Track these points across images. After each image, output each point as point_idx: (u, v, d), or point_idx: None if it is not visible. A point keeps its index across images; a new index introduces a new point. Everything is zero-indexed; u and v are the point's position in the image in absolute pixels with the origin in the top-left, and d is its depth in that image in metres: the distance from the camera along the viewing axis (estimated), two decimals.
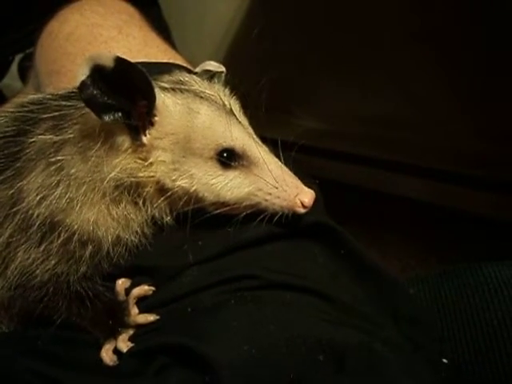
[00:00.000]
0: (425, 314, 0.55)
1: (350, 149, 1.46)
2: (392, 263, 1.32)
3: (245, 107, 0.46)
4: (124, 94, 0.36)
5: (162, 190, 0.40)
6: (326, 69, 1.38)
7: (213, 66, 0.47)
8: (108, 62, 0.33)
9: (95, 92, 0.34)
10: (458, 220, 1.30)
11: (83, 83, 0.34)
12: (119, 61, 0.34)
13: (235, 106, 0.42)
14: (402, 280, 0.73)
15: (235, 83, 0.48)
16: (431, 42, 1.17)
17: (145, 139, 0.38)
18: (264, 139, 0.46)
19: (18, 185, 0.39)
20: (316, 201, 0.42)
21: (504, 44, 1.08)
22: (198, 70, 0.47)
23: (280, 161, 0.43)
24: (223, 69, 0.47)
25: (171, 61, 0.58)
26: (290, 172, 0.42)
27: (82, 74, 0.34)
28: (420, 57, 1.21)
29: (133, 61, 0.54)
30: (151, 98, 0.37)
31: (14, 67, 1.05)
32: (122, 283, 0.42)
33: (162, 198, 0.40)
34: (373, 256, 0.54)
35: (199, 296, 0.39)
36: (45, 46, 0.62)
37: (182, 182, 0.39)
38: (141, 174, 0.39)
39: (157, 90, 0.38)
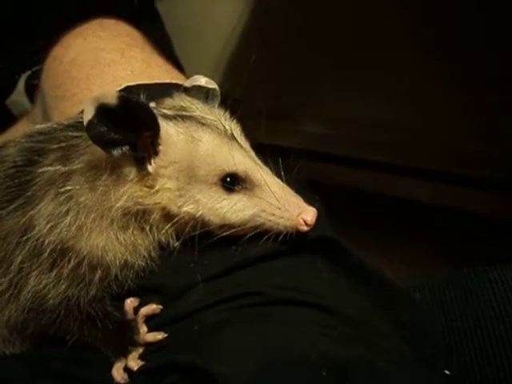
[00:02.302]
0: (430, 322, 0.56)
1: (353, 153, 1.47)
2: (400, 268, 1.33)
3: (247, 116, 0.47)
4: (129, 128, 0.38)
5: (168, 216, 0.41)
6: (327, 74, 1.39)
7: (203, 81, 0.48)
8: (112, 100, 0.35)
9: (102, 130, 0.36)
10: (464, 221, 1.30)
11: (90, 123, 0.36)
12: (123, 98, 0.35)
13: (236, 130, 0.44)
14: (410, 285, 0.74)
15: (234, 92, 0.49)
16: (432, 44, 1.18)
17: (150, 168, 0.40)
18: (267, 147, 0.48)
19: (29, 213, 0.41)
20: (318, 217, 0.43)
21: (505, 44, 1.08)
22: (187, 84, 0.48)
23: (282, 180, 0.45)
24: (215, 85, 0.48)
25: (173, 80, 0.59)
26: (292, 191, 0.44)
27: (88, 113, 0.35)
28: (421, 60, 1.22)
29: (136, 83, 0.57)
30: (155, 129, 0.39)
31: (21, 84, 1.07)
32: (130, 303, 0.43)
33: (169, 224, 0.41)
34: (376, 266, 0.55)
35: (205, 314, 0.40)
36: (50, 71, 0.64)
37: (188, 208, 0.41)
38: (147, 202, 0.40)
39: (160, 120, 0.39)
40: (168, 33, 1.39)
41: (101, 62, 0.60)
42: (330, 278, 0.47)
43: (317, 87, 1.41)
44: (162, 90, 0.56)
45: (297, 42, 1.37)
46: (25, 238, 0.41)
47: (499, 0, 1.05)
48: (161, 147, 0.40)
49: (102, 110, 0.35)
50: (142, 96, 0.49)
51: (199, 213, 0.41)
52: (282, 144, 1.56)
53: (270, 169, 0.45)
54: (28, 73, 1.02)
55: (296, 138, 1.52)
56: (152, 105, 0.44)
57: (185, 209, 0.41)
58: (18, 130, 0.85)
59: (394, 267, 1.33)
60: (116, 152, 0.38)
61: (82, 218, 0.40)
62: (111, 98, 0.35)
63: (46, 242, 0.40)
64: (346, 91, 1.36)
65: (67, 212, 0.40)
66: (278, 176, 0.45)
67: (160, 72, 0.61)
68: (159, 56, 0.65)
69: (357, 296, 0.48)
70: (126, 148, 0.38)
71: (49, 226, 0.40)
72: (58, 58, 0.63)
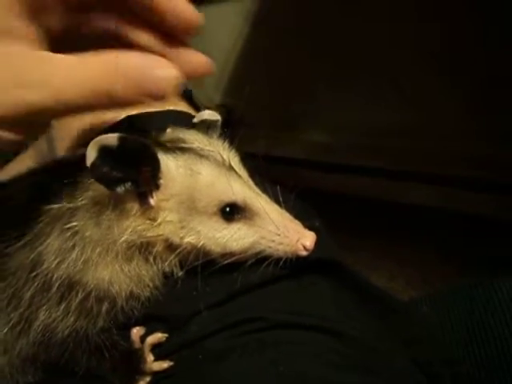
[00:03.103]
0: (436, 337, 0.56)
1: (357, 160, 1.47)
2: (411, 274, 1.32)
3: (250, 128, 0.48)
4: (130, 165, 0.39)
5: (171, 246, 0.43)
6: (328, 82, 1.40)
7: (208, 114, 0.49)
8: (113, 142, 0.36)
9: (105, 170, 0.37)
10: (470, 224, 1.30)
11: (93, 165, 0.37)
12: (123, 139, 0.37)
13: (234, 160, 0.45)
14: (417, 297, 0.74)
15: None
16: (433, 48, 1.18)
17: (152, 202, 0.41)
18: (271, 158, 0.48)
19: (38, 249, 0.42)
20: (319, 239, 0.44)
21: (506, 46, 1.08)
22: (195, 120, 0.50)
23: (280, 206, 0.46)
24: (218, 117, 0.50)
25: (172, 107, 0.61)
26: (290, 217, 0.45)
27: (91, 156, 0.37)
28: (422, 63, 1.22)
29: (137, 112, 0.58)
30: (155, 165, 0.40)
31: None
32: (136, 332, 0.45)
33: (173, 255, 0.43)
34: (377, 285, 0.55)
35: (209, 341, 0.41)
36: None
37: (190, 239, 0.42)
38: (150, 234, 0.41)
39: (160, 155, 0.41)
40: None
41: None
42: (332, 299, 0.48)
43: (319, 96, 1.42)
44: (163, 118, 0.58)
45: (296, 53, 1.38)
46: (34, 273, 0.42)
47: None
48: (161, 181, 0.41)
49: (104, 152, 0.37)
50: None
51: (201, 243, 0.42)
52: (285, 154, 1.58)
53: (269, 195, 0.46)
54: None
55: (300, 148, 1.53)
56: (153, 135, 0.46)
57: (187, 240, 0.42)
58: (23, 161, 0.87)
59: (404, 273, 1.34)
60: (119, 189, 0.39)
61: (88, 252, 0.41)
62: (112, 139, 0.36)
63: (54, 277, 0.41)
64: (347, 98, 1.37)
65: (73, 247, 0.41)
66: (277, 202, 0.46)
67: None
68: None
69: (360, 316, 0.48)
70: (128, 185, 0.39)
71: (56, 261, 0.41)
72: None
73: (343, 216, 1.45)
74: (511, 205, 1.23)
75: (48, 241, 0.42)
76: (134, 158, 0.38)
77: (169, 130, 0.51)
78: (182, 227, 0.42)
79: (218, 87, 1.59)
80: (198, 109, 0.71)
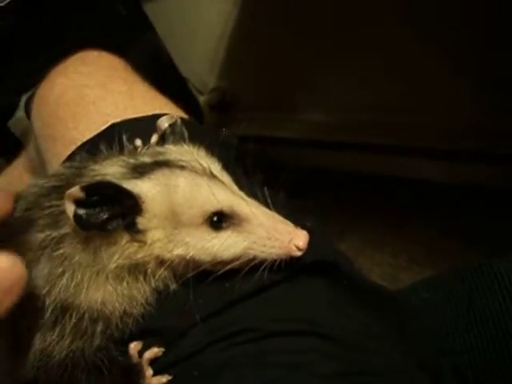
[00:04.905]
0: (434, 328, 0.56)
1: (359, 138, 1.45)
2: (418, 251, 1.32)
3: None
4: (109, 203, 0.39)
5: (162, 262, 0.43)
6: (324, 61, 1.37)
7: (165, 122, 0.49)
8: (80, 194, 0.37)
9: (88, 218, 0.38)
10: (480, 197, 1.28)
11: (74, 218, 0.38)
12: (86, 188, 0.37)
13: (215, 166, 0.44)
14: (418, 283, 0.74)
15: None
16: (428, 20, 1.15)
17: (137, 226, 0.41)
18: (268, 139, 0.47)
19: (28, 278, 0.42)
20: (312, 239, 0.44)
21: (505, 15, 1.04)
22: (159, 132, 0.49)
23: (269, 205, 0.45)
24: (176, 117, 0.49)
25: (157, 111, 0.60)
26: (280, 218, 0.44)
27: (70, 210, 0.38)
28: (417, 37, 1.18)
29: (120, 119, 0.57)
30: (129, 195, 0.40)
31: (22, 102, 1.09)
32: (134, 347, 0.45)
33: (163, 269, 0.43)
34: (374, 280, 0.55)
35: (203, 355, 0.42)
36: (38, 112, 0.65)
37: (179, 251, 0.42)
38: (140, 256, 0.42)
39: (133, 182, 0.41)
40: (160, 35, 1.38)
41: (85, 100, 0.61)
42: (328, 300, 0.48)
43: (314, 75, 1.39)
44: (147, 124, 0.57)
45: (288, 32, 1.34)
46: (28, 300, 0.42)
47: None
48: (143, 204, 0.41)
49: (79, 203, 0.37)
50: (124, 137, 0.50)
51: (190, 254, 0.42)
52: (286, 135, 1.56)
53: (257, 197, 0.46)
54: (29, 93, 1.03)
55: (300, 128, 1.51)
56: (131, 152, 0.46)
57: (176, 252, 0.42)
58: (18, 167, 0.87)
59: (409, 249, 1.33)
60: (110, 227, 0.40)
61: (79, 277, 0.41)
62: (77, 192, 0.37)
63: (47, 303, 0.42)
64: (343, 76, 1.34)
65: (63, 273, 0.41)
66: (266, 203, 0.46)
67: (143, 103, 0.61)
68: (142, 84, 0.65)
69: (358, 313, 0.48)
70: (118, 222, 0.40)
71: (47, 287, 0.42)
72: (44, 99, 0.64)
73: (346, 193, 1.45)
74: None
75: (38, 268, 0.42)
76: (107, 196, 0.39)
77: (153, 139, 0.51)
78: (170, 241, 0.42)
79: (212, 71, 1.56)
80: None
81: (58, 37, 0.91)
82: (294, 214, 0.52)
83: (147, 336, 0.45)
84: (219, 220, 0.42)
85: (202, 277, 0.43)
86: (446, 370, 0.51)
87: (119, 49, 0.72)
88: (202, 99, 1.56)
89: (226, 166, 0.47)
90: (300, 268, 0.45)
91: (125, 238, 0.41)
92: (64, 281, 0.41)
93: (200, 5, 1.46)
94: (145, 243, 0.41)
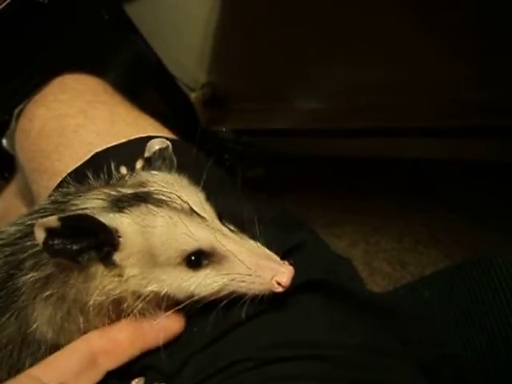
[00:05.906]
0: (433, 333, 0.56)
1: (356, 123, 1.43)
2: (420, 232, 1.32)
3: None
4: (84, 235, 0.39)
5: (138, 297, 0.42)
6: (314, 47, 1.34)
7: (156, 145, 0.48)
8: (55, 224, 0.37)
9: (58, 247, 0.38)
10: (475, 173, 1.27)
11: (45, 247, 0.37)
12: (63, 219, 0.37)
13: (197, 199, 0.43)
14: (419, 281, 0.74)
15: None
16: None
17: (114, 261, 0.41)
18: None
19: (25, 320, 0.44)
20: (304, 253, 0.46)
21: None
22: (146, 154, 0.49)
23: (256, 234, 0.44)
24: (168, 143, 0.49)
25: (140, 133, 0.59)
26: (265, 252, 0.43)
27: (40, 238, 0.37)
28: (406, 14, 1.15)
29: (103, 147, 0.57)
30: (105, 229, 0.39)
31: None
32: (135, 383, 0.45)
33: (138, 303, 0.42)
34: (368, 290, 0.55)
35: None
36: (21, 144, 0.65)
37: (153, 287, 0.42)
38: (118, 291, 0.41)
39: (112, 215, 0.40)
40: (146, 35, 1.36)
41: (67, 130, 0.60)
42: (323, 317, 0.47)
43: (305, 64, 1.36)
44: (131, 149, 0.57)
45: (274, 20, 1.32)
46: (26, 342, 0.44)
47: None
48: (119, 239, 0.40)
49: (51, 232, 0.37)
50: (112, 163, 0.51)
51: (164, 291, 0.42)
52: (282, 126, 1.55)
53: (243, 220, 0.45)
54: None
55: (296, 118, 1.49)
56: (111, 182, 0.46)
57: (149, 288, 0.42)
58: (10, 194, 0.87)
59: (413, 231, 1.33)
60: (82, 259, 0.39)
61: (65, 314, 0.42)
62: (53, 222, 0.37)
63: (42, 341, 0.44)
64: (334, 62, 1.32)
65: (55, 312, 0.43)
66: (253, 226, 0.45)
67: (125, 127, 0.60)
68: (124, 106, 0.65)
69: (355, 326, 0.48)
70: (92, 254, 0.39)
71: (40, 326, 0.43)
72: (26, 131, 0.63)
73: (348, 179, 1.44)
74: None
75: (31, 309, 0.43)
76: (83, 228, 0.38)
77: (138, 165, 0.50)
78: (144, 278, 0.41)
79: (201, 67, 1.54)
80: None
81: (35, 58, 0.89)
82: (287, 227, 0.51)
83: (147, 372, 0.46)
84: (197, 259, 0.42)
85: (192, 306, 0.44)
86: (447, 375, 0.51)
87: (102, 59, 0.71)
88: (193, 96, 1.54)
89: (215, 188, 0.47)
90: (291, 290, 0.45)
91: (100, 269, 0.41)
92: (58, 318, 0.43)
93: (182, 1, 1.43)
94: (121, 278, 0.41)
